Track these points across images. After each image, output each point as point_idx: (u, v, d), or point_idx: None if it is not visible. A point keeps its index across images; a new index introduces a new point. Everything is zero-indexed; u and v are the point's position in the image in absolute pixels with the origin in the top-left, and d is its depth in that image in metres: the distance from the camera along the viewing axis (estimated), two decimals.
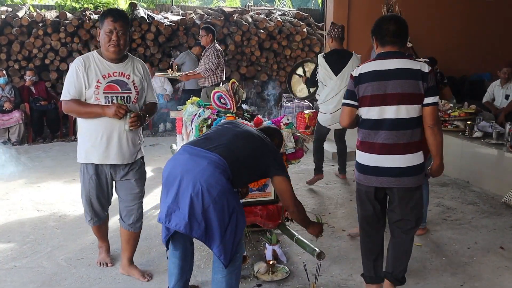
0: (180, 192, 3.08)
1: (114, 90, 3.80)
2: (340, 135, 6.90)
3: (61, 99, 3.80)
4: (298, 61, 6.01)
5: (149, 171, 7.38)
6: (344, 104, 3.60)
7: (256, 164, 3.33)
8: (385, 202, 3.68)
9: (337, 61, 6.25)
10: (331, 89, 6.22)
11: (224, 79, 7.96)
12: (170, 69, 9.36)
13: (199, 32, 9.44)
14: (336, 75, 6.20)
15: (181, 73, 8.71)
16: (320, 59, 6.39)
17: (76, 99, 3.74)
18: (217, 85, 7.82)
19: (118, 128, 3.81)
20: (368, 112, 3.45)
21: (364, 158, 3.53)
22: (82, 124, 3.87)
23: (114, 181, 4.06)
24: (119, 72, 3.83)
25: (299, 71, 8.20)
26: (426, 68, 3.35)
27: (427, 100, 3.35)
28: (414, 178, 3.42)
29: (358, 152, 3.62)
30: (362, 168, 3.55)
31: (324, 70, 6.29)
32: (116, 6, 12.40)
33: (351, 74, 3.59)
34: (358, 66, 3.58)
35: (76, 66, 3.75)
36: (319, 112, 6.62)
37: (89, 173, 3.91)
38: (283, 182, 3.41)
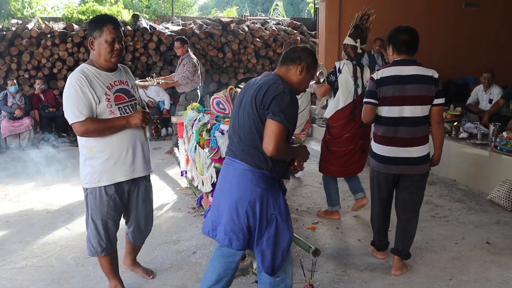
0: (220, 208, 3.05)
1: (122, 100, 3.41)
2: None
3: (72, 122, 3.22)
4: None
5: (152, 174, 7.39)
6: (367, 103, 3.97)
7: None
8: (395, 187, 4.11)
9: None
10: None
11: (200, 84, 8.57)
12: (149, 77, 9.19)
13: (198, 40, 9.45)
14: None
15: (160, 81, 8.66)
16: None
17: (90, 117, 3.24)
18: (195, 89, 8.29)
19: (140, 137, 3.49)
20: (389, 111, 3.87)
21: (385, 150, 3.93)
22: (95, 144, 3.34)
23: (128, 197, 3.61)
24: (118, 81, 3.44)
25: None
26: (436, 75, 3.83)
27: (437, 101, 3.83)
28: (426, 165, 3.91)
29: (377, 145, 4.00)
30: (382, 159, 3.96)
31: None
32: (120, 18, 12.38)
33: (371, 77, 3.96)
34: (378, 70, 3.94)
35: (78, 84, 3.22)
36: None
37: (108, 194, 3.42)
38: (271, 126, 2.84)
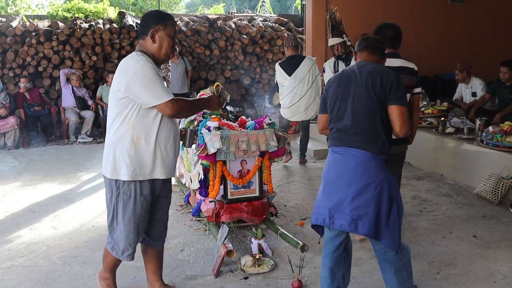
0: (340, 196, 3.11)
1: None
2: (305, 125, 7.56)
3: (164, 101, 3.00)
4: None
5: None
6: None
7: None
8: None
9: (290, 65, 6.80)
10: (287, 88, 6.75)
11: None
12: None
13: (185, 37, 9.39)
14: (289, 75, 6.70)
15: None
16: (277, 66, 6.95)
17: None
18: None
19: (178, 137, 3.37)
20: None
21: None
22: (143, 135, 3.11)
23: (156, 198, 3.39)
24: (162, 78, 3.26)
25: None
26: (416, 68, 4.20)
27: (416, 90, 4.18)
28: (405, 144, 4.20)
29: None
30: None
31: (279, 74, 6.86)
32: (106, 15, 12.30)
33: None
34: None
35: (151, 65, 3.06)
36: (281, 108, 7.15)
37: (144, 192, 3.20)
38: (400, 110, 3.12)
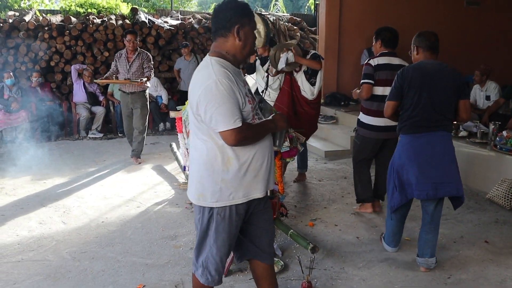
0: (438, 169, 3.94)
1: (254, 101, 2.88)
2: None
3: (226, 129, 2.63)
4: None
5: (149, 169, 7.41)
6: (366, 83, 5.02)
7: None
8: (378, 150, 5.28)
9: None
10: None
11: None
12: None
13: (197, 35, 9.34)
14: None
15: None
16: (258, 61, 6.95)
17: (245, 122, 2.72)
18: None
19: (272, 146, 2.95)
20: (384, 91, 4.86)
21: (378, 121, 4.98)
22: (234, 154, 2.74)
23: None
24: (244, 80, 2.92)
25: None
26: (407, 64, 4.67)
27: None
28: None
29: (371, 118, 5.05)
30: (374, 128, 5.07)
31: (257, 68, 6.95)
32: (119, 11, 12.35)
33: (369, 63, 5.05)
34: (373, 59, 5.06)
35: (227, 81, 2.64)
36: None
37: (239, 213, 2.84)
38: (468, 103, 4.09)
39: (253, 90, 5.29)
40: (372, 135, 5.12)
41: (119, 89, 7.55)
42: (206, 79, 2.66)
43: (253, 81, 6.87)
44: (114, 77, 7.50)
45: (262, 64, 6.59)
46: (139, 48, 7.54)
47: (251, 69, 6.81)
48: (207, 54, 2.82)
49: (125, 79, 7.42)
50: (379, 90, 4.98)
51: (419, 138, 3.96)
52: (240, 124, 2.63)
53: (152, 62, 7.69)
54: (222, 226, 2.83)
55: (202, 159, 2.79)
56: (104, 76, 7.74)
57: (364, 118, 5.17)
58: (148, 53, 7.66)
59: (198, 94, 2.67)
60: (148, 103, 7.74)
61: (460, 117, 4.08)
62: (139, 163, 7.70)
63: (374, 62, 5.03)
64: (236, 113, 2.63)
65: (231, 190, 2.77)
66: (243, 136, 2.66)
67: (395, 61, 4.98)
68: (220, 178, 2.75)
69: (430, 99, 3.90)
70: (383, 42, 5.10)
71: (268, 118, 2.87)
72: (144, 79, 7.40)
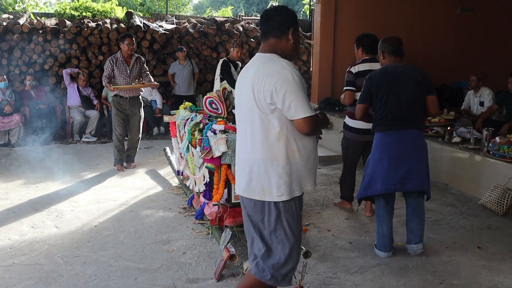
0: (407, 165, 4.24)
1: None
2: None
3: (307, 115, 2.75)
4: None
5: (143, 173, 7.41)
6: (347, 90, 5.35)
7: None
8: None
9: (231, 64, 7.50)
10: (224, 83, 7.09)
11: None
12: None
13: (192, 39, 9.34)
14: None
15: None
16: (220, 61, 7.66)
17: None
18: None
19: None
20: None
21: (360, 124, 5.09)
22: (297, 146, 2.84)
23: None
24: None
25: None
26: None
27: None
28: None
29: (355, 121, 5.17)
30: (361, 131, 5.28)
31: (219, 69, 7.53)
32: (113, 15, 12.35)
33: (350, 71, 5.36)
34: (354, 66, 5.37)
35: (299, 72, 2.83)
36: None
37: (298, 206, 2.95)
38: (434, 99, 4.35)
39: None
40: (357, 137, 5.41)
41: (116, 94, 7.41)
42: (280, 69, 2.78)
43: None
44: (133, 83, 7.44)
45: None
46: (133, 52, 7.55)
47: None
48: (259, 52, 3.00)
49: (141, 83, 7.53)
50: None
51: (390, 135, 4.30)
52: (315, 113, 2.82)
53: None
54: (292, 223, 2.89)
55: (268, 154, 2.83)
56: (114, 82, 7.35)
57: (349, 121, 5.49)
58: (142, 58, 7.69)
59: (273, 83, 2.74)
60: (142, 107, 7.76)
61: (429, 113, 4.44)
62: (134, 167, 7.70)
63: (355, 69, 5.35)
64: (309, 102, 2.82)
65: (292, 183, 2.85)
66: (315, 124, 2.82)
67: (376, 66, 5.01)
68: (284, 172, 2.82)
69: (397, 99, 4.23)
70: (364, 48, 5.37)
71: (317, 113, 2.93)
72: (157, 84, 7.87)
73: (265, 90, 2.77)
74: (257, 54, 3.01)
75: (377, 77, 4.33)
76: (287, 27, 2.92)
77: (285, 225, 2.88)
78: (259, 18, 2.60)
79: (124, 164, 7.65)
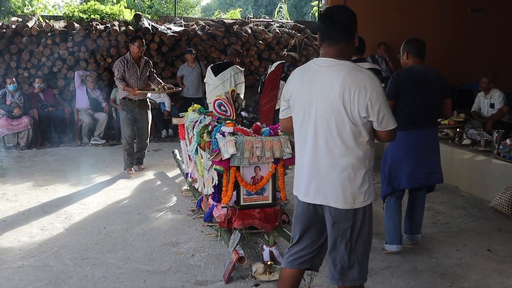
0: (430, 160, 4.49)
1: None
2: None
3: (396, 125, 2.85)
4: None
5: (152, 175, 7.44)
6: None
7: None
8: None
9: (218, 68, 7.38)
10: (212, 86, 7.15)
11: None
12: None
13: (200, 41, 9.33)
14: (215, 76, 7.18)
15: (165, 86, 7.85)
16: (209, 68, 7.56)
17: None
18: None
19: None
20: None
21: None
22: (371, 153, 2.89)
23: None
24: None
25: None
26: (379, 68, 5.46)
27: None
28: None
29: None
30: None
31: (208, 73, 7.40)
32: (122, 17, 12.42)
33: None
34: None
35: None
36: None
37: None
38: (449, 102, 4.61)
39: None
40: None
41: (126, 97, 7.40)
42: (370, 80, 2.74)
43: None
44: (154, 87, 7.57)
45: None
46: None
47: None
48: (328, 58, 2.85)
49: (162, 87, 7.65)
50: None
51: (414, 133, 4.42)
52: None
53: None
54: (370, 226, 2.98)
55: (362, 162, 2.83)
56: (136, 86, 7.35)
57: None
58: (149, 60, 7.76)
59: (367, 97, 2.70)
60: (150, 109, 7.80)
61: (444, 114, 4.84)
62: (142, 169, 7.73)
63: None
64: None
65: (372, 187, 2.92)
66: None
67: (365, 65, 5.27)
68: (367, 177, 2.88)
69: (424, 100, 4.39)
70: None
71: None
72: (179, 88, 8.62)
73: (359, 103, 2.71)
74: (325, 59, 2.86)
75: (406, 76, 4.43)
76: (354, 30, 2.86)
77: (368, 229, 2.95)
78: (321, 18, 2.52)
79: (134, 166, 7.68)
